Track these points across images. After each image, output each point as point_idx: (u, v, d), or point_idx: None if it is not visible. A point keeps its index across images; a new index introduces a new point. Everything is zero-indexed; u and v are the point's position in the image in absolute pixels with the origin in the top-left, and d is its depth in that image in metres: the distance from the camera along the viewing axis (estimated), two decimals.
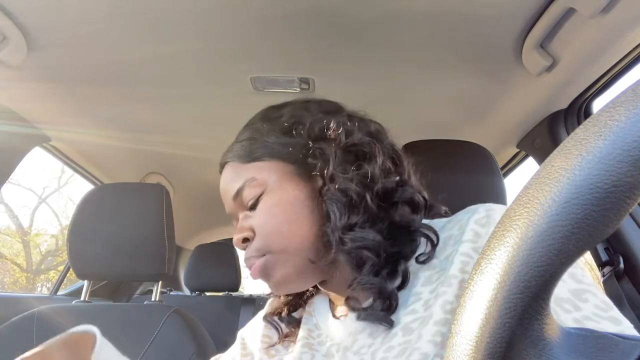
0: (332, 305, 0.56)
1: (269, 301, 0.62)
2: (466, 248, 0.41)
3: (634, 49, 0.84)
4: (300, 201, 0.50)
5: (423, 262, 0.45)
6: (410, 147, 0.92)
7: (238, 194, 0.52)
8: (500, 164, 1.46)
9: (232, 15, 0.86)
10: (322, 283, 0.53)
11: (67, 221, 9.74)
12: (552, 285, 0.19)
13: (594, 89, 0.99)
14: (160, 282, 1.15)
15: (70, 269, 1.09)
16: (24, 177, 9.89)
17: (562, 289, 0.35)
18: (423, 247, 0.47)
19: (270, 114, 0.57)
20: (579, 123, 1.05)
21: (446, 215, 0.52)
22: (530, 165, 1.40)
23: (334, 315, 0.54)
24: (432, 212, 0.53)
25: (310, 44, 0.95)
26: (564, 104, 1.09)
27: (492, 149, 0.96)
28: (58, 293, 1.86)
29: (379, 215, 0.47)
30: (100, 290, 1.90)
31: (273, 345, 0.58)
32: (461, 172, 0.86)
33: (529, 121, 1.20)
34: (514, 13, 0.84)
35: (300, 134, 0.52)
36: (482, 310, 0.20)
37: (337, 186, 0.47)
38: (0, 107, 1.12)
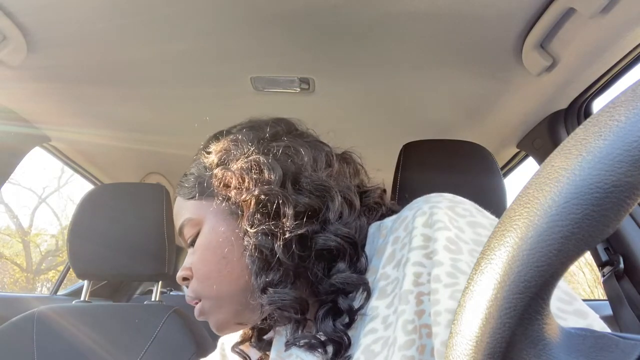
0: None
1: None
2: (417, 256, 0.38)
3: (634, 49, 0.84)
4: (230, 244, 0.47)
5: (360, 310, 0.42)
6: (410, 147, 0.93)
7: (180, 230, 0.51)
8: (500, 164, 1.46)
9: (232, 15, 0.86)
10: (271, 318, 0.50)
11: (67, 221, 9.74)
12: (552, 285, 0.19)
13: (594, 89, 0.99)
14: (160, 282, 1.15)
15: (70, 269, 1.09)
16: (24, 177, 9.90)
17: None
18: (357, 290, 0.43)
19: (208, 145, 0.55)
20: (579, 123, 1.05)
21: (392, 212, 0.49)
22: (530, 165, 1.40)
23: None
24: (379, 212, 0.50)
25: (310, 44, 0.95)
26: (564, 104, 1.09)
27: (492, 149, 0.96)
28: (58, 293, 1.86)
29: (298, 266, 0.44)
30: (100, 290, 1.90)
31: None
32: (461, 172, 0.86)
33: (529, 121, 1.20)
34: (514, 13, 0.84)
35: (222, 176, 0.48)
36: (482, 310, 0.20)
37: (250, 242, 0.44)
38: (0, 107, 1.12)
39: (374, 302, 0.41)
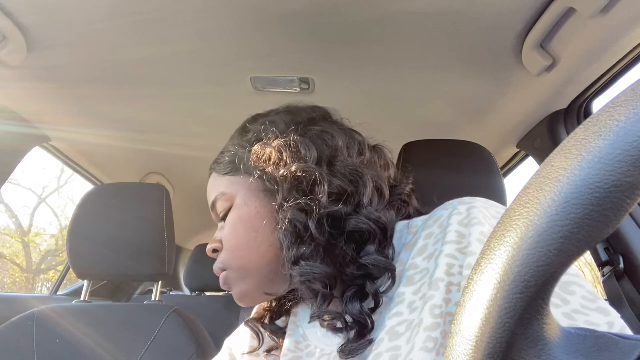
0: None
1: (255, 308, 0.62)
2: (451, 249, 0.40)
3: (634, 49, 0.84)
4: (261, 219, 0.49)
5: (385, 293, 0.43)
6: (410, 147, 0.93)
7: (213, 205, 0.53)
8: (500, 164, 1.46)
9: (232, 15, 0.86)
10: (293, 292, 0.52)
11: (67, 221, 9.74)
12: (552, 285, 0.19)
13: (594, 89, 0.99)
14: (160, 282, 1.15)
15: (70, 269, 1.09)
16: (24, 177, 9.89)
17: None
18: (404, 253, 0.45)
19: (246, 125, 0.57)
20: (579, 123, 1.05)
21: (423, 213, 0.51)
22: (530, 165, 1.40)
23: (322, 325, 0.52)
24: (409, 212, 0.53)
25: (310, 44, 0.95)
26: (564, 104, 1.09)
27: (492, 149, 0.96)
28: (58, 293, 1.86)
29: (329, 243, 0.45)
30: (100, 290, 1.90)
31: (255, 351, 0.57)
32: (461, 172, 0.86)
33: (529, 121, 1.20)
34: (514, 13, 0.84)
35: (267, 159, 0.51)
36: (482, 310, 0.20)
37: (285, 215, 0.46)
38: (0, 107, 1.12)
39: (401, 288, 0.43)
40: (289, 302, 0.57)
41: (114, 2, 0.82)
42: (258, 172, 0.49)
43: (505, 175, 1.49)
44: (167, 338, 0.96)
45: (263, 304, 0.58)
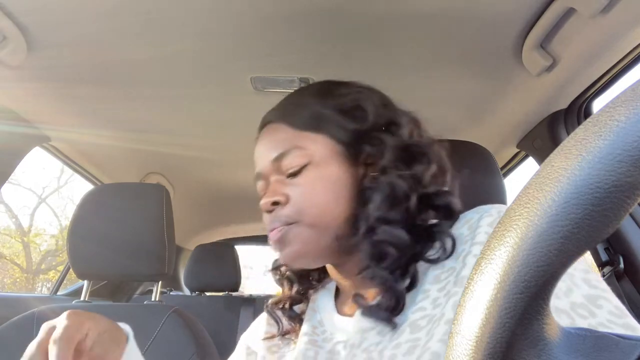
0: (337, 303, 0.56)
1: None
2: (479, 250, 0.41)
3: (634, 49, 0.84)
4: (341, 182, 0.50)
5: (432, 262, 0.46)
6: None
7: (280, 157, 0.52)
8: (500, 164, 1.46)
9: (232, 15, 0.86)
10: (334, 267, 0.54)
11: (67, 221, 9.74)
12: (552, 285, 0.19)
13: (594, 89, 0.99)
14: (160, 282, 1.15)
15: (70, 269, 1.09)
16: (24, 177, 9.89)
17: (577, 294, 0.35)
18: (435, 248, 0.47)
19: (329, 89, 0.57)
20: (579, 123, 1.05)
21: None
22: (530, 165, 1.40)
23: (339, 313, 0.54)
24: None
25: (310, 44, 0.95)
26: (564, 104, 1.09)
27: (492, 149, 0.96)
28: (58, 293, 1.86)
29: (414, 216, 0.48)
30: (100, 290, 1.90)
31: (272, 337, 0.58)
32: (461, 172, 0.86)
33: (529, 121, 1.20)
34: (514, 13, 0.84)
35: (361, 119, 0.52)
36: (482, 310, 0.20)
37: (387, 179, 0.48)
38: (0, 107, 1.12)
39: (426, 285, 0.44)
40: (308, 289, 0.59)
41: (114, 2, 0.82)
42: (367, 135, 0.51)
43: (505, 175, 1.49)
44: (167, 338, 0.96)
45: (286, 290, 0.59)
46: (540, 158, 1.25)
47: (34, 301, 1.52)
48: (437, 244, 0.47)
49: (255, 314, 1.91)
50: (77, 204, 1.06)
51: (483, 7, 0.82)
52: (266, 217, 0.53)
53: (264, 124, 0.58)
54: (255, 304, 2.01)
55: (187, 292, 2.39)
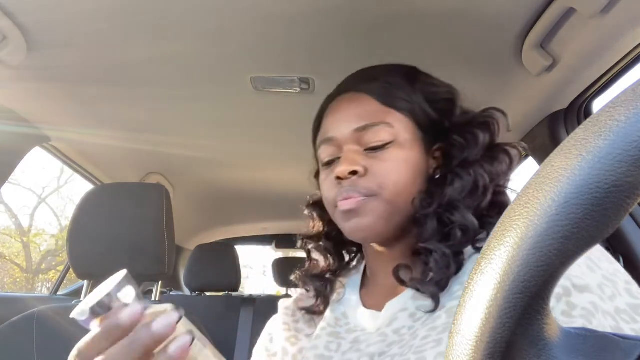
0: (362, 296, 0.57)
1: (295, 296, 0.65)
2: None
3: (634, 49, 0.84)
4: (420, 167, 0.53)
5: (478, 251, 0.47)
6: None
7: (364, 129, 0.52)
8: None
9: (232, 15, 0.86)
10: (380, 250, 0.55)
11: (67, 221, 9.73)
12: (552, 285, 0.19)
13: (594, 89, 0.99)
14: (160, 282, 1.15)
15: (70, 269, 1.09)
16: (24, 177, 9.88)
17: (621, 301, 0.37)
18: (483, 240, 0.49)
19: (416, 76, 0.59)
20: (579, 123, 1.05)
21: None
22: (530, 165, 1.40)
23: (365, 306, 0.55)
24: None
25: (310, 44, 0.95)
26: (564, 104, 1.08)
27: None
28: (58, 293, 1.86)
29: (482, 208, 0.50)
30: None
31: (311, 309, 0.59)
32: None
33: (528, 121, 1.20)
34: (514, 13, 0.84)
35: (447, 113, 0.56)
36: (482, 310, 0.20)
37: (470, 171, 0.50)
38: (0, 107, 1.12)
39: (465, 277, 0.46)
40: (339, 269, 0.61)
41: (115, 2, 0.82)
42: (458, 127, 0.54)
43: None
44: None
45: (323, 263, 0.61)
46: (540, 158, 1.25)
47: (34, 301, 1.52)
48: (484, 234, 0.49)
49: (255, 314, 1.91)
50: (77, 204, 1.06)
51: (483, 7, 0.82)
52: (334, 184, 0.53)
53: (344, 90, 0.59)
54: (255, 304, 2.01)
55: (187, 292, 2.39)
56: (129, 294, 0.35)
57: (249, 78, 1.08)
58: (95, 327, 0.34)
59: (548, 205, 0.18)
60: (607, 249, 1.04)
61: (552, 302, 0.37)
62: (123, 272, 0.36)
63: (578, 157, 0.18)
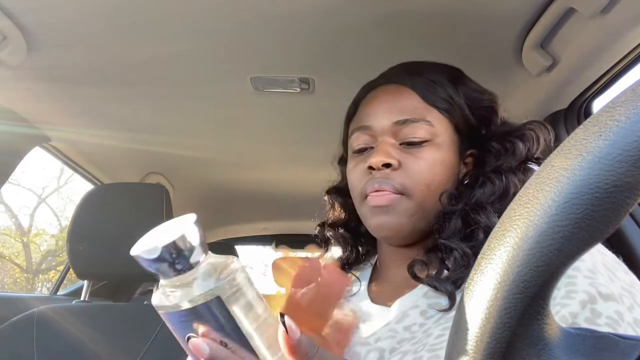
0: (370, 290, 0.57)
1: None
2: None
3: (634, 49, 0.84)
4: (452, 169, 0.53)
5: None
6: None
7: (404, 123, 0.52)
8: None
9: (232, 15, 0.86)
10: (399, 248, 0.55)
11: (67, 221, 9.73)
12: (552, 285, 0.19)
13: (594, 89, 0.99)
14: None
15: (70, 269, 1.09)
16: (24, 177, 9.88)
17: (639, 313, 0.38)
18: None
19: (460, 79, 0.58)
20: (579, 123, 1.05)
21: None
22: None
23: (372, 301, 0.54)
24: None
25: (310, 44, 0.95)
26: (564, 104, 1.08)
27: None
28: (58, 293, 1.86)
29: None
30: (100, 290, 1.90)
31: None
32: None
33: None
34: (514, 13, 0.84)
35: (486, 120, 0.55)
36: (482, 310, 0.20)
37: (503, 177, 0.50)
38: (0, 107, 1.12)
39: None
40: (354, 261, 0.61)
41: (114, 2, 0.82)
42: (499, 137, 0.53)
43: None
44: (167, 338, 0.96)
45: (346, 252, 0.61)
46: None
47: (34, 301, 1.52)
48: None
49: None
50: (77, 204, 1.06)
51: (483, 7, 0.82)
52: (365, 173, 0.52)
53: (387, 81, 0.58)
54: None
55: None
56: (195, 237, 0.34)
57: (249, 78, 1.08)
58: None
59: (548, 205, 0.18)
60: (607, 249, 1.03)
61: (576, 309, 0.37)
62: (193, 217, 0.36)
63: (578, 157, 0.18)
